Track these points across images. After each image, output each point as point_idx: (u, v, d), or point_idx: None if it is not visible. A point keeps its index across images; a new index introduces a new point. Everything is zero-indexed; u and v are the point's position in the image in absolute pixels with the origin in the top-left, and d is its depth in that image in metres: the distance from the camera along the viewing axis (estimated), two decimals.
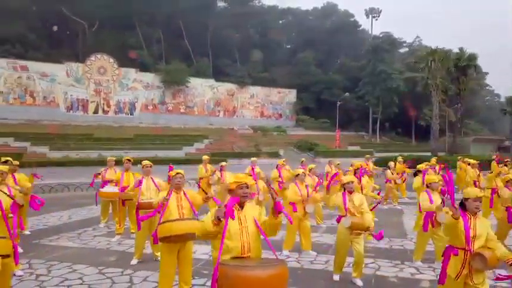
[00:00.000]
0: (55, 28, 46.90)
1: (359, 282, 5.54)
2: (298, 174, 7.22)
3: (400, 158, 16.21)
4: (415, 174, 9.01)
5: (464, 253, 3.89)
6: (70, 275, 5.81)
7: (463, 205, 4.05)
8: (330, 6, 69.26)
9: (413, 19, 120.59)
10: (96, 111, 45.80)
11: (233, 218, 3.29)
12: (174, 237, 4.64)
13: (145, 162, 6.91)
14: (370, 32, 61.83)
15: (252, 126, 50.97)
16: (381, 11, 57.96)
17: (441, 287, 4.03)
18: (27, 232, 8.48)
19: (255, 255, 3.37)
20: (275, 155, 38.76)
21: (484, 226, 3.94)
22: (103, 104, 46.23)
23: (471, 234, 3.91)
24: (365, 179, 9.94)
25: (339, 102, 47.45)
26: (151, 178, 6.82)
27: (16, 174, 8.06)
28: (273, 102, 56.24)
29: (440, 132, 43.22)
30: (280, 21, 68.09)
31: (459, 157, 18.19)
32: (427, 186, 6.59)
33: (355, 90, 53.01)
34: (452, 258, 3.97)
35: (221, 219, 3.20)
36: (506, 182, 7.27)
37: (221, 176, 10.39)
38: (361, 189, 7.91)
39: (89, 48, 47.76)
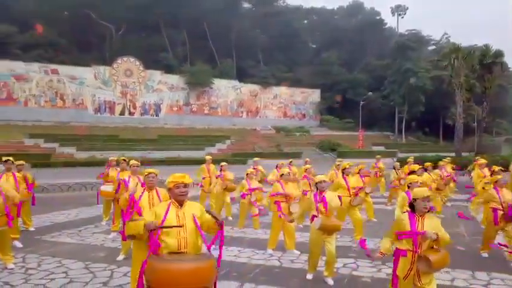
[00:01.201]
0: (84, 33, 48.43)
1: (330, 282, 5.62)
2: (283, 174, 7.34)
3: (410, 159, 16.05)
4: (408, 175, 8.93)
5: (412, 254, 3.93)
6: (57, 269, 6.16)
7: (412, 206, 4.09)
8: (355, 5, 68.56)
9: (441, 15, 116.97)
10: (122, 113, 47.04)
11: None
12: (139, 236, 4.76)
13: (132, 162, 7.23)
14: (396, 30, 60.79)
15: (275, 127, 51.04)
16: (407, 8, 56.88)
17: None
18: (32, 229, 8.97)
19: (192, 251, 3.54)
20: (296, 155, 38.69)
21: (433, 226, 3.96)
22: (129, 105, 47.45)
23: (418, 235, 3.94)
24: (368, 179, 10.00)
25: (362, 102, 46.81)
26: (138, 177, 7.10)
27: (19, 174, 8.53)
28: (297, 103, 56.10)
29: (470, 132, 42.05)
30: (305, 21, 67.87)
31: (476, 157, 17.70)
32: (408, 187, 6.58)
33: (380, 89, 52.17)
34: (401, 260, 4.02)
35: (152, 231, 3.39)
36: (495, 182, 7.13)
37: (221, 176, 10.60)
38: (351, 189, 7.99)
39: (116, 51, 49.17)
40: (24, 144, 35.03)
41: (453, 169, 15.26)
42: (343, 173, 8.13)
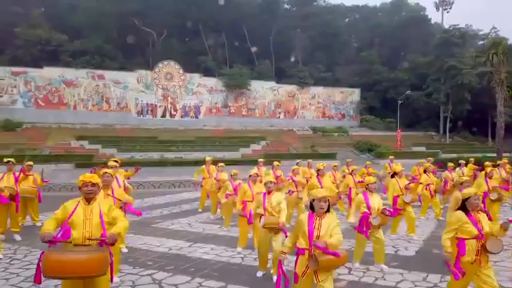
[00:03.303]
0: (129, 39, 50.74)
1: (275, 279, 5.80)
2: (251, 175, 7.58)
3: (426, 160, 15.62)
4: (392, 176, 8.84)
5: (308, 253, 4.07)
6: (36, 260, 6.77)
7: (311, 206, 4.23)
8: (399, 1, 66.50)
9: (493, 8, 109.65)
10: (164, 115, 48.81)
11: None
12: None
13: (111, 162, 7.80)
14: (442, 26, 58.27)
15: (313, 127, 50.72)
16: (452, 2, 54.28)
17: (295, 286, 4.23)
18: (39, 224, 9.79)
19: (95, 244, 3.92)
20: (331, 156, 38.32)
21: (329, 226, 4.08)
22: (170, 108, 49.12)
23: (315, 234, 4.09)
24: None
25: (400, 101, 45.43)
26: (116, 178, 7.61)
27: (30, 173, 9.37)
28: (336, 102, 55.40)
29: None
30: (346, 20, 66.84)
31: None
32: (366, 188, 6.60)
33: (422, 88, 50.34)
34: (299, 258, 4.18)
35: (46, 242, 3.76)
36: (460, 184, 6.97)
37: (216, 176, 10.98)
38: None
39: (158, 56, 51.07)
40: (71, 145, 37.26)
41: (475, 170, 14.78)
42: (317, 173, 8.21)
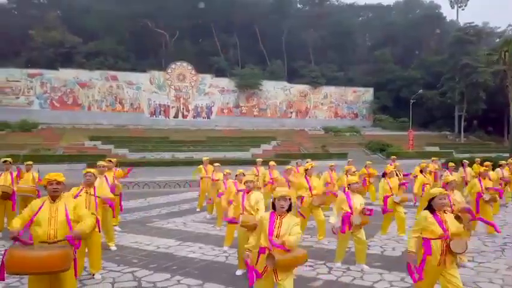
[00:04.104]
0: (142, 41, 51.42)
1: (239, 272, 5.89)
2: (237, 174, 7.65)
3: (431, 161, 15.45)
4: (382, 176, 8.80)
5: (268, 251, 4.11)
6: None
7: (273, 205, 4.27)
8: None
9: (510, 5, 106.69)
10: (176, 116, 49.28)
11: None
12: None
13: (100, 162, 7.93)
14: (457, 24, 57.28)
15: (325, 127, 50.54)
16: None
17: (257, 284, 4.27)
18: None
19: (62, 241, 4.04)
20: (342, 156, 38.09)
21: (289, 225, 4.11)
22: (183, 108, 49.58)
23: (274, 233, 4.12)
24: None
25: (412, 100, 44.85)
26: (105, 177, 7.79)
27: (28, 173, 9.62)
28: (348, 102, 55.09)
29: None
30: (360, 18, 66.31)
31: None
32: (348, 187, 6.60)
33: (437, 87, 49.62)
34: (260, 256, 4.22)
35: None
36: (446, 184, 6.89)
37: (212, 176, 11.09)
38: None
39: (171, 56, 51.61)
40: (85, 146, 37.92)
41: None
42: (305, 173, 8.23)
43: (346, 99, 55.02)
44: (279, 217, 4.16)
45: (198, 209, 12.18)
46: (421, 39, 58.99)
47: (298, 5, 63.91)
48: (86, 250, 5.97)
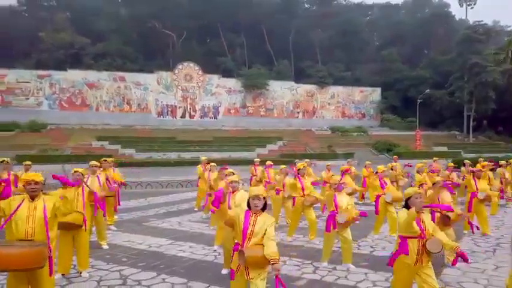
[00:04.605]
0: (149, 42, 51.80)
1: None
2: (226, 174, 7.70)
3: (433, 161, 15.38)
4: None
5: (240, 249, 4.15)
6: None
7: (248, 204, 4.31)
8: None
9: None
10: (183, 116, 49.49)
11: None
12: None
13: (92, 162, 8.03)
14: (467, 22, 56.70)
15: (332, 127, 50.35)
16: None
17: (232, 282, 4.32)
18: None
19: (40, 238, 4.13)
20: (348, 156, 37.93)
21: (264, 224, 4.14)
22: (190, 109, 49.76)
23: (248, 231, 4.16)
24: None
25: (419, 100, 44.47)
26: (98, 177, 7.89)
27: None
28: (356, 102, 54.82)
29: None
30: (368, 18, 65.96)
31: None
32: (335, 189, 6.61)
33: (445, 86, 49.14)
34: (235, 254, 4.26)
35: None
36: (433, 184, 6.87)
37: (208, 175, 11.15)
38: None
39: (178, 57, 51.88)
40: (92, 146, 38.27)
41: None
42: (298, 173, 8.24)
43: (354, 99, 54.76)
44: (254, 215, 4.20)
45: (195, 209, 12.26)
46: (429, 38, 58.49)
47: (306, 5, 63.79)
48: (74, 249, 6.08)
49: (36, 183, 4.26)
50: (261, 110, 51.83)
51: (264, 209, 4.26)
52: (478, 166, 15.00)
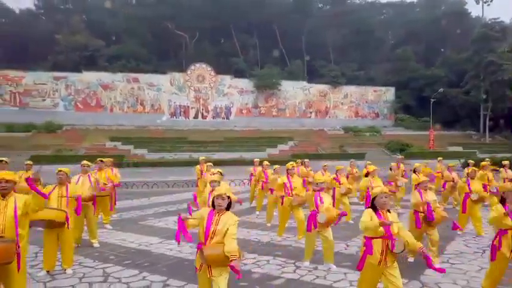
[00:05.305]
0: (162, 43, 52.38)
1: None
2: (214, 173, 7.77)
3: (437, 161, 15.17)
4: (365, 176, 8.72)
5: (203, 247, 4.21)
6: None
7: (213, 203, 4.37)
8: None
9: None
10: (196, 117, 49.88)
11: None
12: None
13: (83, 162, 8.20)
14: (483, 20, 55.48)
15: (345, 127, 50.04)
16: None
17: (199, 281, 4.38)
18: None
19: (9, 235, 4.27)
20: (360, 156, 37.63)
21: (225, 223, 4.19)
22: (202, 109, 50.13)
23: (211, 230, 4.22)
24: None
25: (432, 99, 43.81)
26: (88, 176, 8.06)
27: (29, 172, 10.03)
28: (369, 101, 54.36)
29: None
30: (382, 17, 65.28)
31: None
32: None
33: (460, 85, 48.29)
34: (198, 252, 4.32)
35: None
36: (417, 184, 6.80)
37: (204, 175, 11.27)
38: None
39: (191, 58, 52.34)
40: (105, 146, 38.89)
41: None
42: (287, 173, 8.27)
43: (367, 99, 54.31)
44: (217, 214, 4.26)
45: (194, 209, 12.33)
46: (444, 36, 57.57)
47: (319, 4, 63.48)
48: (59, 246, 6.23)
49: (7, 181, 4.39)
50: (273, 110, 51.85)
51: (228, 208, 4.32)
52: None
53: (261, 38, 56.03)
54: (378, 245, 4.34)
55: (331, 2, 62.07)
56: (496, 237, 4.92)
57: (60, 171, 6.31)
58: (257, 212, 11.59)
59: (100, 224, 9.70)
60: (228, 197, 4.32)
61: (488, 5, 51.96)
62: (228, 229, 4.15)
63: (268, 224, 9.81)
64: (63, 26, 50.95)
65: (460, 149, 41.51)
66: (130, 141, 39.63)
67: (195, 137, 42.63)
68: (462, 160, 28.19)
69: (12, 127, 40.66)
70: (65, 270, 6.19)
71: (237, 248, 4.06)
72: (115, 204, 11.26)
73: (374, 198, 4.50)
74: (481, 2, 52.59)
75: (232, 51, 54.97)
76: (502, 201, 5.02)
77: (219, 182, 6.31)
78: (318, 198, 6.47)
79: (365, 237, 4.47)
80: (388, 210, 4.52)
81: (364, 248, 4.45)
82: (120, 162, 33.27)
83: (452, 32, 57.13)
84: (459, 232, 8.50)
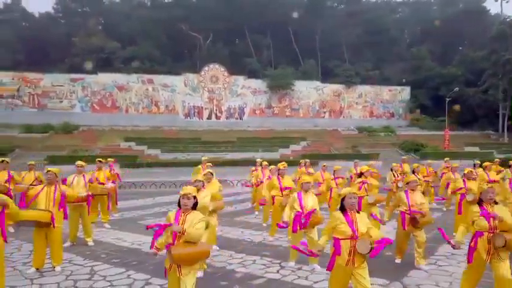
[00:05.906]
0: (176, 44, 52.88)
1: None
2: (204, 173, 7.82)
3: (444, 161, 14.96)
4: (359, 176, 8.66)
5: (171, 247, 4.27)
6: None
7: (179, 203, 4.43)
8: None
9: None
10: (209, 117, 50.18)
11: None
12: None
13: (78, 162, 8.37)
14: (502, 17, 54.25)
15: (359, 127, 49.57)
16: None
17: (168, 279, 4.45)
18: None
19: None
20: (374, 156, 37.23)
21: (193, 221, 4.25)
22: (216, 110, 50.39)
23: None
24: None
25: (448, 98, 43.01)
26: (83, 176, 8.23)
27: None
28: (384, 101, 53.72)
29: None
30: (397, 15, 64.45)
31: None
32: (301, 187, 6.61)
33: (478, 84, 47.31)
34: (167, 252, 4.38)
35: None
36: (406, 184, 6.73)
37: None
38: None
39: (205, 59, 52.63)
40: (120, 146, 39.47)
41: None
42: (278, 173, 8.28)
43: (382, 99, 53.71)
44: (183, 214, 4.33)
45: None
46: (461, 34, 56.49)
47: (334, 4, 63.05)
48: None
49: None
50: (286, 110, 51.77)
51: (194, 207, 4.38)
52: (493, 167, 14.49)
53: (274, 38, 55.99)
54: (345, 246, 4.34)
55: (345, 1, 61.58)
56: (472, 239, 4.84)
57: (49, 171, 6.48)
58: (256, 212, 11.64)
59: (99, 223, 9.93)
60: (194, 197, 4.39)
61: (507, 2, 50.76)
62: (196, 225, 4.21)
63: (264, 224, 9.86)
64: (80, 29, 51.90)
65: (476, 149, 40.70)
66: (144, 142, 40.11)
67: (208, 138, 42.86)
68: (477, 160, 27.51)
69: (31, 128, 41.60)
70: (54, 267, 6.35)
71: (193, 235, 4.13)
72: (116, 203, 11.44)
73: (343, 199, 4.50)
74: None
75: (246, 52, 55.08)
76: (479, 202, 4.94)
77: (202, 181, 6.36)
78: (299, 198, 6.47)
79: (333, 237, 4.47)
80: (357, 211, 4.51)
81: (333, 248, 4.46)
82: (133, 162, 33.92)
83: (470, 30, 56.00)
84: (454, 233, 8.35)
